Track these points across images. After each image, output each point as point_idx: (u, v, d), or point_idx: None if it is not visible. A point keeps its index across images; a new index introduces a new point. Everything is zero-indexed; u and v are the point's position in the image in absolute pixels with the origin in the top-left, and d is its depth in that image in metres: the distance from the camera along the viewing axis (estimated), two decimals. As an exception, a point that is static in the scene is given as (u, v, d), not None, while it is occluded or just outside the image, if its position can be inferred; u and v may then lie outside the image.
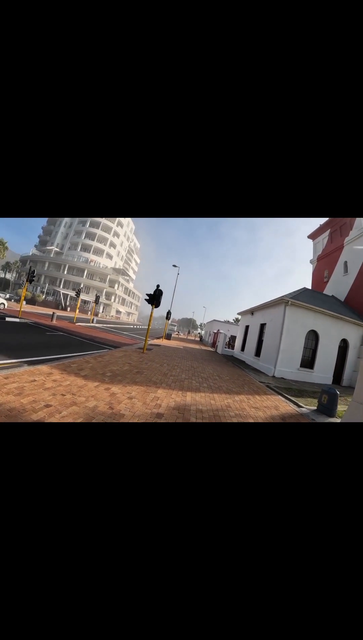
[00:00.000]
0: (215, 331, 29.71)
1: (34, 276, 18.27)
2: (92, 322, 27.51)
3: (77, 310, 25.74)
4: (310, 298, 14.83)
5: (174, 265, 30.76)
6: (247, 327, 19.75)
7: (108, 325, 28.67)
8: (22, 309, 19.55)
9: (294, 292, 15.09)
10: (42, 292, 52.05)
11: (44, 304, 44.90)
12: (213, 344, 29.11)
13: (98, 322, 31.04)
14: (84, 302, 54.65)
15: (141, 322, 67.74)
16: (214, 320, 36.71)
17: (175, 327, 31.38)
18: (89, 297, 56.08)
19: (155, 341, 21.42)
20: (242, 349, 19.53)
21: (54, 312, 20.70)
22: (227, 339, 21.78)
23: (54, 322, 19.65)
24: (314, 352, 13.95)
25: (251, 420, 5.08)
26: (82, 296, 53.27)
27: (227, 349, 21.38)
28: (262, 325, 16.02)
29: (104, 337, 16.27)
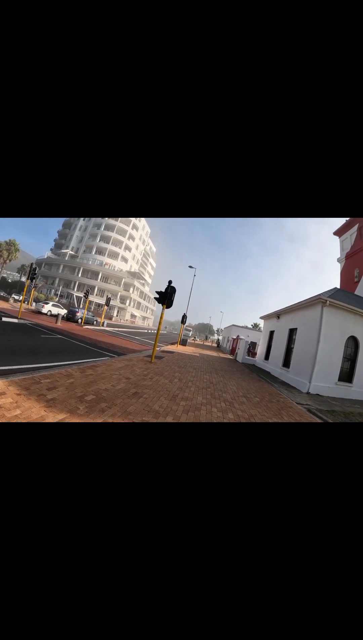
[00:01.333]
0: (234, 337, 27.36)
1: (35, 274, 16.82)
2: (103, 325, 25.88)
3: (85, 312, 24.23)
4: (344, 299, 12.42)
5: (190, 266, 28.87)
6: (271, 333, 17.40)
7: (119, 329, 26.94)
8: (22, 310, 18.06)
9: (326, 291, 12.70)
10: (55, 294, 51.69)
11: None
12: (232, 351, 26.75)
13: (109, 325, 29.42)
14: (98, 305, 54.12)
15: (156, 327, 66.11)
16: (233, 325, 34.27)
17: (190, 332, 29.70)
18: (103, 300, 55.45)
19: (169, 347, 19.38)
20: (266, 357, 17.17)
21: (59, 314, 19.10)
22: (248, 346, 19.46)
23: (59, 324, 18.17)
24: (353, 363, 11.53)
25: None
26: (96, 299, 53.91)
27: (248, 357, 19.08)
28: (292, 331, 13.69)
29: (109, 342, 14.43)
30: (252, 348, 22.48)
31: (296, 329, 13.17)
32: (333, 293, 12.37)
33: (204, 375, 9.39)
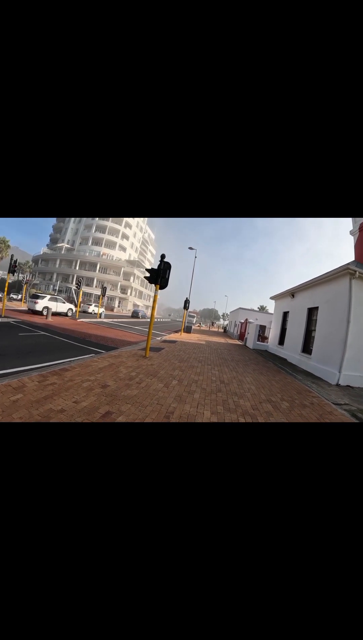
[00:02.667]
0: (242, 321, 25.43)
1: (16, 266, 15.06)
2: (100, 317, 24.18)
3: (79, 305, 22.56)
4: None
5: (191, 248, 26.77)
6: (285, 315, 15.47)
7: (119, 320, 25.21)
8: (4, 307, 16.37)
9: (346, 264, 10.63)
10: (54, 289, 50.24)
11: (56, 301, 43.10)
12: (241, 336, 24.89)
13: (108, 317, 27.72)
14: (97, 296, 52.56)
15: (161, 315, 64.34)
16: (240, 308, 32.17)
17: (194, 319, 28.21)
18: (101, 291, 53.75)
19: (172, 336, 17.60)
20: (281, 341, 15.31)
21: (47, 308, 17.40)
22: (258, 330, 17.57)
23: (49, 319, 16.52)
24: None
25: None
26: (95, 291, 52.32)
27: (259, 343, 17.22)
28: (312, 311, 11.77)
29: (102, 335, 12.70)
30: (261, 332, 20.59)
31: (317, 308, 11.24)
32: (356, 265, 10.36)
33: (212, 370, 7.58)
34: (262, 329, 21.29)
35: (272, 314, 32.69)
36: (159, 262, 7.74)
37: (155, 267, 7.72)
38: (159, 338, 15.15)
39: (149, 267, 7.75)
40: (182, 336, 18.84)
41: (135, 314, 33.56)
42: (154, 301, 8.08)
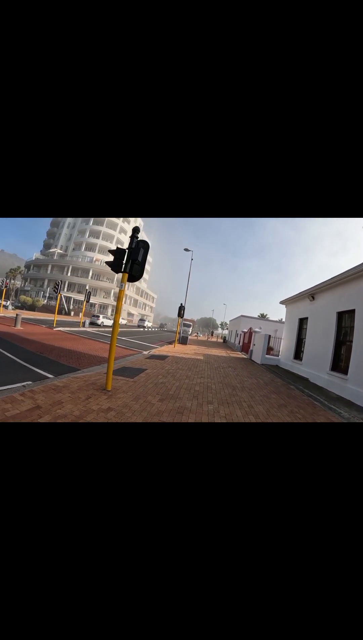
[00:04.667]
0: (246, 330, 22.48)
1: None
2: (83, 325, 21.22)
3: (57, 311, 19.76)
4: None
5: (186, 249, 24.07)
6: (301, 322, 12.61)
7: (105, 330, 22.25)
8: None
9: None
10: (44, 296, 47.54)
11: (46, 309, 40.68)
12: (244, 348, 21.90)
13: (94, 325, 24.77)
14: (91, 304, 49.94)
15: (155, 325, 61.50)
16: (242, 315, 29.14)
17: (190, 329, 25.56)
18: (96, 300, 51.28)
19: (163, 349, 14.63)
20: (297, 355, 12.39)
21: (17, 315, 14.49)
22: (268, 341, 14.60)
23: (18, 327, 13.68)
24: None
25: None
26: (82, 297, 49.53)
27: (268, 356, 14.29)
28: (343, 315, 8.93)
29: (71, 349, 9.78)
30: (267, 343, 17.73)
31: (352, 311, 8.41)
32: None
33: (216, 419, 4.64)
34: (250, 336, 18.44)
35: (275, 321, 29.86)
36: (130, 242, 4.88)
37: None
38: (146, 352, 12.20)
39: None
40: (176, 348, 15.85)
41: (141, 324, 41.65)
42: (119, 300, 5.14)
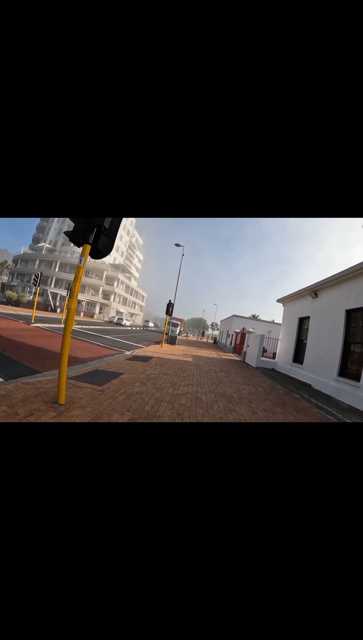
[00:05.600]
0: (238, 330, 21.32)
1: None
2: (64, 322, 19.70)
3: (35, 306, 18.31)
4: None
5: (177, 244, 22.83)
6: (301, 322, 11.48)
7: (89, 328, 20.75)
8: None
9: None
10: (29, 292, 45.59)
11: (31, 305, 38.75)
12: (237, 350, 20.72)
13: (81, 323, 23.26)
14: (79, 302, 48.21)
15: (140, 325, 60.20)
16: (234, 315, 27.88)
17: (178, 328, 24.43)
18: (84, 297, 49.60)
19: (149, 349, 13.31)
20: (297, 358, 11.24)
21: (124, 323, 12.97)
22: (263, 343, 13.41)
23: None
24: None
25: None
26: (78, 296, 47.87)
27: (264, 359, 13.11)
28: (352, 314, 7.80)
29: (39, 347, 8.40)
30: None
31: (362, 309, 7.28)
32: None
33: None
34: (242, 336, 17.27)
35: (268, 321, 28.79)
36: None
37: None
38: (129, 352, 10.88)
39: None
40: (163, 349, 14.54)
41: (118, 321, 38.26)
42: (76, 281, 3.81)
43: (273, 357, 13.72)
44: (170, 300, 15.97)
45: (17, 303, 37.93)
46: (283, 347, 12.78)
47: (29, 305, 39.03)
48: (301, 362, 10.57)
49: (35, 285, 16.76)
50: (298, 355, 11.21)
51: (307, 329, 10.68)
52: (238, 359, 16.41)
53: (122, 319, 41.42)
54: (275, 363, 13.04)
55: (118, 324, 39.19)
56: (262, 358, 12.94)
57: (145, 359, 9.35)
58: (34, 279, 17.18)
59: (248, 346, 14.78)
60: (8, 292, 37.79)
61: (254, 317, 40.38)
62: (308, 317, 10.75)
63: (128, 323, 45.05)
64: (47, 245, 54.76)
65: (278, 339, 13.60)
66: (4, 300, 36.03)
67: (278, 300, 13.98)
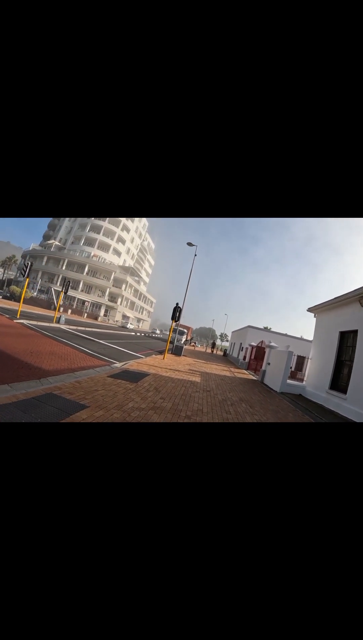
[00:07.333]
0: (254, 344, 18.63)
1: None
2: (57, 321, 17.47)
3: (22, 300, 16.21)
4: None
5: (189, 244, 20.56)
6: (345, 337, 8.89)
7: (85, 330, 18.44)
8: None
9: None
10: (32, 289, 43.96)
11: (34, 302, 37.01)
12: (251, 366, 18.00)
13: (77, 324, 20.99)
14: (82, 302, 46.37)
15: (146, 331, 57.83)
16: (249, 326, 24.86)
17: (184, 337, 22.14)
18: (89, 297, 47.72)
19: (148, 361, 10.83)
20: (336, 385, 8.61)
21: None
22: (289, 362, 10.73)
23: None
24: None
25: None
26: (82, 296, 46.56)
27: (291, 382, 10.48)
28: None
29: (3, 351, 6.05)
30: (258, 358, 13.99)
31: None
32: None
33: None
34: (259, 350, 14.67)
35: (283, 334, 25.78)
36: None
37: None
38: (119, 364, 8.45)
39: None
40: (165, 361, 12.03)
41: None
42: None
43: (303, 379, 11.06)
44: (177, 304, 13.51)
45: (19, 299, 36.39)
46: (316, 368, 10.15)
47: (32, 301, 37.30)
48: (343, 391, 7.95)
49: (23, 276, 14.59)
50: (338, 381, 8.60)
51: (353, 346, 8.09)
52: (255, 378, 13.74)
53: (127, 323, 44.52)
54: (304, 388, 10.39)
55: (123, 326, 41.67)
56: (288, 381, 10.32)
57: (137, 376, 6.88)
58: (22, 269, 15.03)
59: (268, 364, 12.16)
60: (13, 287, 36.29)
61: (265, 330, 37.59)
62: (355, 332, 8.16)
63: (131, 327, 44.56)
64: (57, 243, 53.41)
65: (296, 355, 10.89)
66: (8, 295, 34.53)
67: (310, 310, 11.40)
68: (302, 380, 13.02)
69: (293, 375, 12.78)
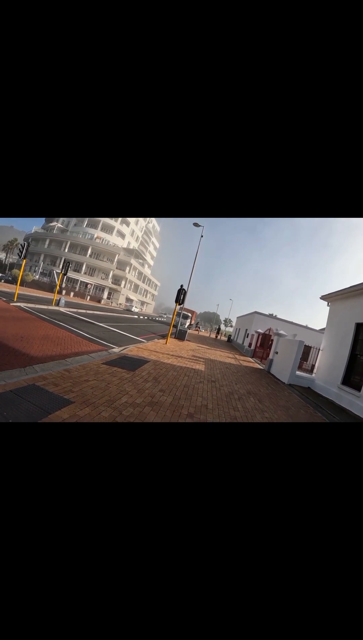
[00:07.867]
0: (261, 331, 17.97)
1: None
2: (56, 303, 16.94)
3: (19, 283, 15.66)
4: None
5: (196, 224, 19.65)
6: (361, 328, 8.22)
7: (85, 312, 17.92)
8: None
9: None
10: (34, 271, 43.30)
11: (36, 285, 36.51)
12: (257, 354, 17.44)
13: (71, 305, 20.45)
14: (85, 285, 45.76)
15: (150, 314, 57.30)
16: (256, 312, 24.09)
17: (188, 321, 21.75)
18: (93, 280, 47.04)
19: (149, 346, 10.27)
20: (349, 381, 8.02)
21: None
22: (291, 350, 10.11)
23: None
24: None
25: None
26: (85, 278, 45.87)
27: (300, 374, 9.91)
28: None
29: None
30: (264, 345, 13.31)
31: None
32: None
33: None
34: (266, 338, 14.03)
35: (289, 322, 24.98)
36: None
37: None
38: (117, 349, 7.91)
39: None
40: (168, 346, 11.48)
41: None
42: None
43: (311, 371, 10.48)
44: (181, 286, 12.81)
45: (22, 282, 35.93)
46: (327, 361, 9.53)
47: (33, 284, 36.76)
48: (357, 387, 7.37)
49: (20, 257, 13.93)
50: (351, 376, 8.00)
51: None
52: (261, 367, 13.18)
53: (132, 306, 45.06)
54: (313, 380, 9.82)
55: (128, 310, 42.34)
56: (297, 373, 9.73)
57: (136, 363, 6.33)
58: (19, 250, 14.35)
59: (276, 353, 11.55)
60: (15, 271, 35.73)
61: (271, 316, 36.79)
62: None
63: (136, 310, 44.49)
64: (59, 225, 52.24)
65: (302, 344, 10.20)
66: (10, 278, 34.10)
67: (323, 297, 10.67)
68: (307, 370, 12.44)
69: (299, 366, 12.19)
